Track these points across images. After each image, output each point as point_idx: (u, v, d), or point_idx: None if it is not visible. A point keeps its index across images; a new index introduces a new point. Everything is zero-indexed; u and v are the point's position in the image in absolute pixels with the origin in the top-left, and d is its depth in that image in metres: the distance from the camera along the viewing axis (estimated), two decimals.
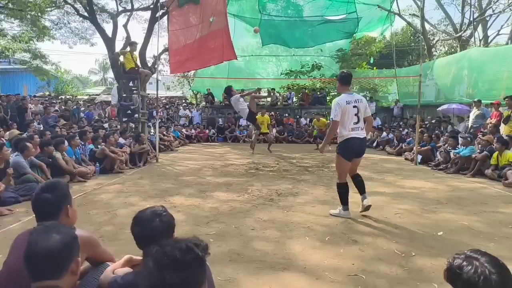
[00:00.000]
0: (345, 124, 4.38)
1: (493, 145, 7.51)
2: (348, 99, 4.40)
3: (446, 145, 9.08)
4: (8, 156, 5.55)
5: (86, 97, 24.43)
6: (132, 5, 19.10)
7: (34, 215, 1.94)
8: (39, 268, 1.41)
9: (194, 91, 24.62)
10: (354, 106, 4.38)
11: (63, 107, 13.24)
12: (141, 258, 1.76)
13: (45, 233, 1.46)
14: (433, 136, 9.88)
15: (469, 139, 8.32)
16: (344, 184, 4.53)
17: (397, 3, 18.24)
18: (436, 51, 26.63)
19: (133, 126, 10.42)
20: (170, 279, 1.04)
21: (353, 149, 4.44)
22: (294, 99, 18.63)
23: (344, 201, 4.56)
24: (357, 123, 4.40)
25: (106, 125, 11.54)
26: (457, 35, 20.78)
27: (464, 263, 1.24)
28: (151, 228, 1.71)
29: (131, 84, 9.94)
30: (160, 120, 11.62)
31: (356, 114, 4.38)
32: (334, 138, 4.90)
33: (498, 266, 1.22)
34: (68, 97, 21.11)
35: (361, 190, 4.61)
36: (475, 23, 20.15)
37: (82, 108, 14.62)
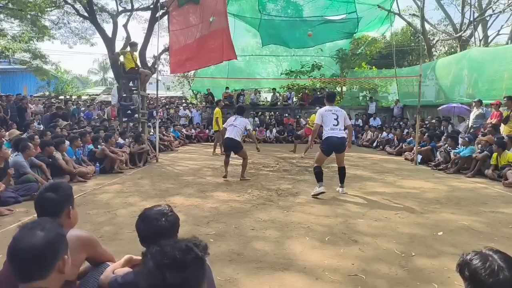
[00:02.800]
0: (326, 126, 5.65)
1: (493, 145, 7.52)
2: (329, 109, 5.76)
3: (446, 145, 9.08)
4: (7, 155, 5.54)
5: (86, 97, 24.40)
6: (132, 5, 19.10)
7: (34, 215, 1.94)
8: (24, 267, 1.35)
9: (194, 91, 24.61)
10: (333, 113, 5.67)
11: (63, 107, 13.20)
12: (141, 258, 1.76)
13: (29, 230, 1.39)
14: (433, 135, 9.87)
15: (466, 139, 8.31)
16: (319, 167, 5.73)
17: (397, 3, 18.19)
18: (436, 51, 26.58)
19: (131, 125, 10.38)
20: (170, 279, 1.04)
21: (331, 144, 5.62)
22: (294, 99, 18.64)
23: (319, 179, 5.67)
24: (336, 125, 5.62)
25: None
26: (457, 35, 20.74)
27: (476, 256, 1.28)
28: (156, 226, 1.73)
29: (131, 84, 9.92)
30: (160, 120, 11.59)
31: (336, 119, 5.63)
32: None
33: (511, 264, 1.22)
34: (68, 97, 21.05)
35: (341, 180, 5.82)
36: (475, 23, 20.10)
37: (82, 108, 14.61)
